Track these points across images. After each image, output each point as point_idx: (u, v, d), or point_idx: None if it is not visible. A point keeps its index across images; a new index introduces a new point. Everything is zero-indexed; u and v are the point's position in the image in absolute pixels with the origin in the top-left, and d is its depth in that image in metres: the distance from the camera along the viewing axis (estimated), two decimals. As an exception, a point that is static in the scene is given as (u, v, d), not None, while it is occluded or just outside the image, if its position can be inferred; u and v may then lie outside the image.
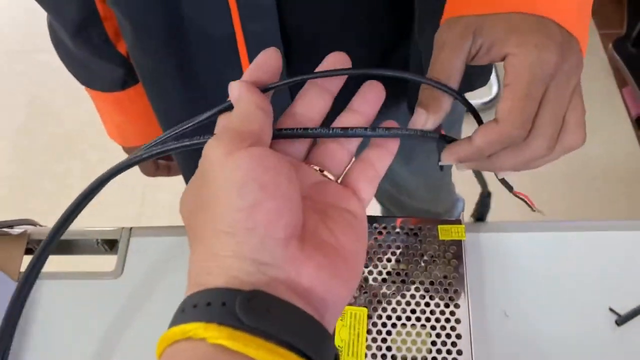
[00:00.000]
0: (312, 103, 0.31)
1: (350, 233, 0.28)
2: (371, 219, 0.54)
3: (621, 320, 0.51)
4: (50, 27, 0.59)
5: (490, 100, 1.61)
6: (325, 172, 0.31)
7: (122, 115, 0.66)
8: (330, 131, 0.31)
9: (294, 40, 0.49)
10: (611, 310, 0.52)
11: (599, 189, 1.45)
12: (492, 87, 1.63)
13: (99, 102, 0.64)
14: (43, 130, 1.75)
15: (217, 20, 0.46)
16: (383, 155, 0.32)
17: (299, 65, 0.51)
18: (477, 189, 0.63)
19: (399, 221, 0.53)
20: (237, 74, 0.49)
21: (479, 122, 0.35)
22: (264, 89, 0.29)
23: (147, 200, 1.57)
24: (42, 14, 0.56)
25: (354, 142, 0.32)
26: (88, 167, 1.65)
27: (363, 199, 0.30)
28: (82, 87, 0.64)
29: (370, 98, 0.32)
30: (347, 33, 0.51)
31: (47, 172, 1.65)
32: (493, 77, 1.64)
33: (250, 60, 0.49)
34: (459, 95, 0.33)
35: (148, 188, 1.58)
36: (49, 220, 0.62)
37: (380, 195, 0.91)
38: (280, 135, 0.30)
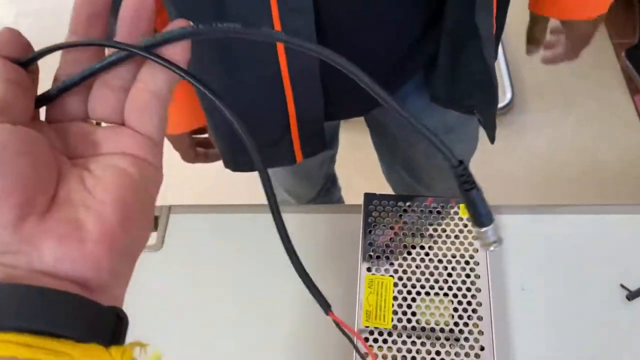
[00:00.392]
0: (73, 64, 0.27)
1: (116, 182, 0.25)
2: (397, 198, 0.58)
3: (631, 295, 0.55)
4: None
5: (505, 106, 1.64)
6: (100, 122, 0.27)
7: None
8: (88, 71, 0.27)
9: (329, 35, 0.53)
10: (622, 286, 0.55)
11: (610, 195, 1.47)
12: (505, 94, 1.66)
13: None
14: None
15: (257, 14, 0.50)
16: (155, 68, 0.27)
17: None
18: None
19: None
20: (274, 68, 0.54)
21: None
22: (25, 62, 0.26)
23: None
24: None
25: (123, 76, 0.27)
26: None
27: (141, 132, 0.26)
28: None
29: (126, 16, 0.26)
30: (379, 26, 0.56)
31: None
32: (507, 84, 1.67)
33: (287, 54, 0.54)
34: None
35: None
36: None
37: (397, 186, 0.95)
38: (42, 100, 0.27)
